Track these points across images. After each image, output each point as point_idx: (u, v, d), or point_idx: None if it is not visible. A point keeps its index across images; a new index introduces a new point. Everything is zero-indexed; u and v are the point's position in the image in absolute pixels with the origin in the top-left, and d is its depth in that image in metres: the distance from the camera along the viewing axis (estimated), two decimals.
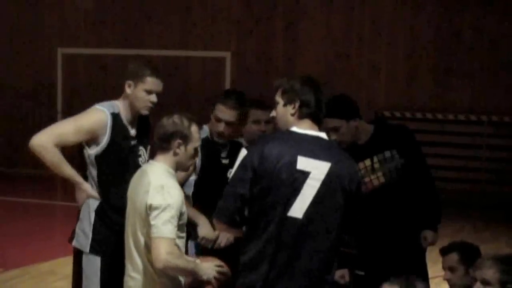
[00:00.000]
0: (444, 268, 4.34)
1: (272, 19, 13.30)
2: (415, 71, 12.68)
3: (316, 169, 3.51)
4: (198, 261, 3.94)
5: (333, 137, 4.57)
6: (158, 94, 4.44)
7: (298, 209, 3.49)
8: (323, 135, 3.64)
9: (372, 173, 4.65)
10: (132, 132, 4.46)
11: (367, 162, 4.66)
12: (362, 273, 4.60)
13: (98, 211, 4.37)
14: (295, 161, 3.51)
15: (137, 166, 4.40)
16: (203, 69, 13.70)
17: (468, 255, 4.20)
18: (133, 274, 3.95)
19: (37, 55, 14.42)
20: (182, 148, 3.93)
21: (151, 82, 4.41)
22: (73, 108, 13.85)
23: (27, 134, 15.17)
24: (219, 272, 3.87)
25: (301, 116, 3.63)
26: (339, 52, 12.97)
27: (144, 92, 4.39)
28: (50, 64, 14.35)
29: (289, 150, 3.54)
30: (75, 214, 4.53)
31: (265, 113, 4.91)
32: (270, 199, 3.51)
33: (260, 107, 5.01)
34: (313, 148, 3.55)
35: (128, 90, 4.41)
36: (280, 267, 3.51)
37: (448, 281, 4.31)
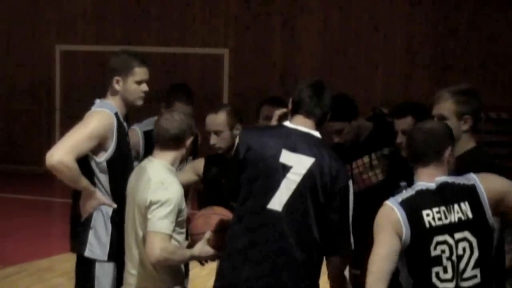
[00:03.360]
0: (397, 131, 4.32)
1: (269, 15, 13.30)
2: (412, 68, 12.70)
3: (298, 164, 3.54)
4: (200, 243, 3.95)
5: (337, 139, 4.59)
6: (148, 83, 4.35)
7: (278, 202, 3.53)
8: (314, 132, 3.66)
9: (371, 170, 4.65)
10: (126, 127, 4.40)
11: (366, 159, 4.67)
12: (358, 272, 4.58)
13: (113, 219, 4.25)
14: (278, 154, 3.56)
15: (132, 161, 4.42)
16: (202, 66, 13.70)
17: (422, 119, 3.95)
18: (133, 270, 3.97)
19: (35, 51, 14.42)
20: (187, 142, 4.00)
21: (141, 72, 4.31)
22: (71, 105, 13.89)
23: (25, 131, 15.19)
24: (213, 259, 3.91)
25: (293, 112, 3.71)
26: (337, 48, 12.99)
27: (135, 84, 4.30)
28: (48, 61, 14.35)
29: (274, 143, 3.59)
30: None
31: (276, 110, 4.92)
32: (251, 189, 3.58)
33: (271, 103, 5.03)
34: (300, 143, 3.59)
35: (117, 87, 4.29)
36: (254, 259, 3.55)
37: (399, 144, 4.30)
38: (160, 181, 3.85)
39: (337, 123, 4.48)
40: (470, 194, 3.32)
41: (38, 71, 14.45)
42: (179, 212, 3.87)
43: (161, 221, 3.77)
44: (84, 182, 4.19)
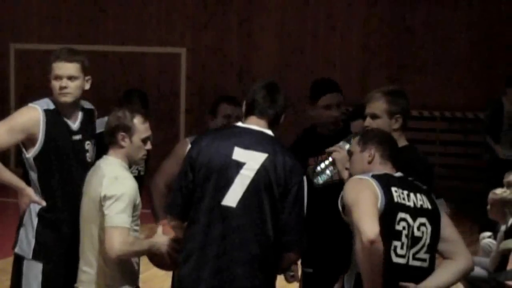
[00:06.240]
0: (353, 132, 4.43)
1: (226, 15, 13.30)
2: (369, 67, 12.80)
3: (251, 160, 3.58)
4: (159, 230, 3.89)
5: (336, 113, 4.55)
6: (71, 78, 4.22)
7: (232, 198, 3.56)
8: (266, 130, 3.69)
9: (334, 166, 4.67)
10: (75, 126, 4.30)
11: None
12: (310, 270, 4.58)
13: (40, 215, 4.19)
14: (231, 152, 3.59)
15: (84, 162, 4.29)
16: (159, 65, 13.64)
17: None
18: (85, 268, 3.97)
19: None
20: (127, 140, 3.97)
21: (56, 68, 4.26)
22: (27, 104, 13.69)
23: None
24: (172, 247, 3.86)
25: (246, 113, 3.76)
26: (294, 47, 13.03)
27: (54, 80, 4.26)
28: (3, 60, 14.14)
29: (226, 142, 3.63)
30: None
31: (234, 109, 4.90)
32: (205, 188, 3.59)
33: (230, 102, 4.99)
34: (252, 141, 3.63)
35: (51, 85, 4.30)
36: (213, 255, 3.56)
37: None
38: (114, 176, 3.86)
39: (339, 94, 4.56)
40: (427, 193, 3.55)
41: None
42: (134, 207, 3.88)
43: (118, 216, 3.78)
44: (8, 176, 4.15)
